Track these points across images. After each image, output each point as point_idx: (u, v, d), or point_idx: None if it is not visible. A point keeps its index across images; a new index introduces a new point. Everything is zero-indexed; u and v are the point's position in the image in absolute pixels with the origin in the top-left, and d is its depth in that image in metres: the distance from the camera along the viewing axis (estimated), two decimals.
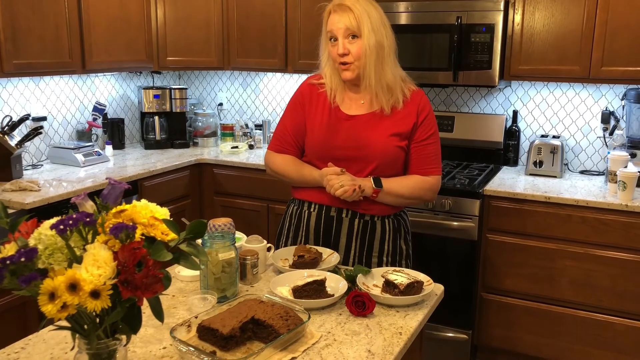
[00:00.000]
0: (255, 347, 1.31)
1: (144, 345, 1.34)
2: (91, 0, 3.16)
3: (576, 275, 2.78)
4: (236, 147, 3.82)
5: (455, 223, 2.89)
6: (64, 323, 0.99)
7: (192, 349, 1.25)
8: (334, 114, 1.96)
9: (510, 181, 3.04)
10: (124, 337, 1.05)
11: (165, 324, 1.36)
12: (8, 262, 0.92)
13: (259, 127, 4.03)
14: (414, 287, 1.58)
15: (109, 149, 3.57)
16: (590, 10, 2.85)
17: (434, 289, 1.64)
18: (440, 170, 2.01)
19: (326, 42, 1.95)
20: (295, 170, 2.00)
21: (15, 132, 2.97)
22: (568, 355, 2.87)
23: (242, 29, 3.71)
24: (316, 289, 1.56)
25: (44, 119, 3.30)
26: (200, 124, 4.00)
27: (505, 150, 3.40)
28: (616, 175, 2.72)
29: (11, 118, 2.99)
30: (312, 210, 2.01)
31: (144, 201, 1.10)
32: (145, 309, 1.02)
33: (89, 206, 1.10)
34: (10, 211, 2.49)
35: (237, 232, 1.82)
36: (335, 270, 1.74)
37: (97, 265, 0.93)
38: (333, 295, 1.57)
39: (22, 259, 0.92)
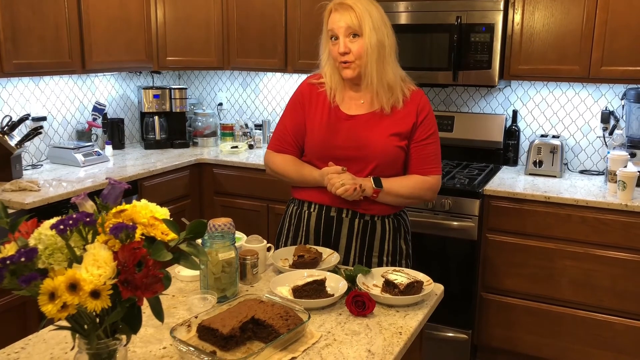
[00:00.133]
0: (255, 347, 1.31)
1: (144, 345, 1.34)
2: (91, 0, 3.16)
3: (576, 275, 2.78)
4: (236, 147, 3.82)
5: (455, 223, 2.89)
6: (64, 323, 0.99)
7: (192, 349, 1.25)
8: (334, 114, 1.96)
9: (510, 181, 3.04)
10: (124, 337, 1.06)
11: (165, 324, 1.36)
12: (8, 262, 0.92)
13: (258, 127, 4.03)
14: (414, 287, 1.58)
15: (108, 149, 3.57)
16: (590, 10, 2.85)
17: (434, 288, 1.64)
18: (440, 170, 2.01)
19: (326, 41, 1.94)
20: (295, 170, 2.00)
21: (15, 132, 2.97)
22: (568, 355, 2.87)
23: (242, 29, 3.71)
24: (316, 288, 1.56)
25: (43, 119, 3.30)
26: (200, 123, 4.00)
27: (505, 150, 3.40)
28: (616, 175, 2.73)
29: (11, 118, 2.98)
30: (312, 210, 2.01)
31: (144, 201, 1.10)
32: (145, 309, 1.02)
33: (89, 206, 1.10)
34: (10, 211, 2.49)
35: (237, 232, 1.82)
36: (335, 270, 1.74)
37: (97, 265, 0.93)
38: (333, 295, 1.57)
39: (22, 259, 0.92)
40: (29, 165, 3.24)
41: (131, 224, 1.00)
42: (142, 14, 3.55)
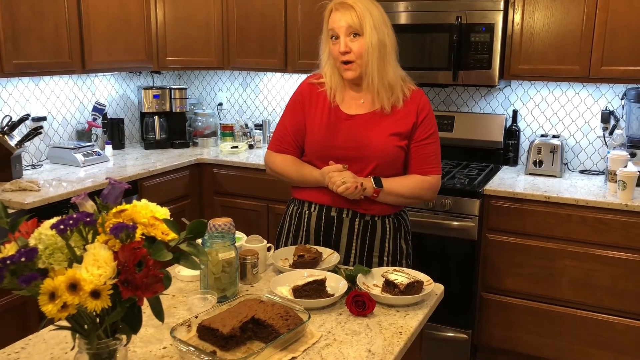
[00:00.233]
0: (255, 346, 1.31)
1: (144, 345, 1.34)
2: (91, 0, 3.16)
3: (576, 275, 2.78)
4: (236, 147, 3.82)
5: (455, 223, 2.89)
6: (64, 323, 0.99)
7: (193, 349, 1.25)
8: (334, 114, 1.96)
9: (510, 181, 3.04)
10: (124, 337, 1.06)
11: (165, 324, 1.36)
12: (8, 262, 0.92)
13: (258, 127, 4.03)
14: (414, 287, 1.58)
15: (108, 149, 3.57)
16: (590, 10, 2.85)
17: (434, 288, 1.64)
18: (440, 169, 2.01)
19: (327, 40, 1.94)
20: (295, 170, 2.00)
21: (15, 132, 2.97)
22: (568, 355, 2.87)
23: (242, 29, 3.71)
24: (316, 288, 1.56)
25: (43, 119, 3.30)
26: (200, 123, 4.00)
27: (505, 149, 3.40)
28: (616, 174, 2.73)
29: (11, 118, 2.99)
30: (312, 210, 2.01)
31: (144, 201, 1.10)
32: (146, 309, 1.02)
33: (89, 206, 1.10)
34: (10, 211, 2.49)
35: (237, 231, 1.82)
36: (335, 270, 1.74)
37: (97, 265, 0.93)
38: (333, 295, 1.57)
39: (23, 259, 0.92)
40: (29, 165, 3.24)
41: (131, 223, 1.00)
42: (142, 14, 3.55)
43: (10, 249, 0.97)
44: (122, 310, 0.98)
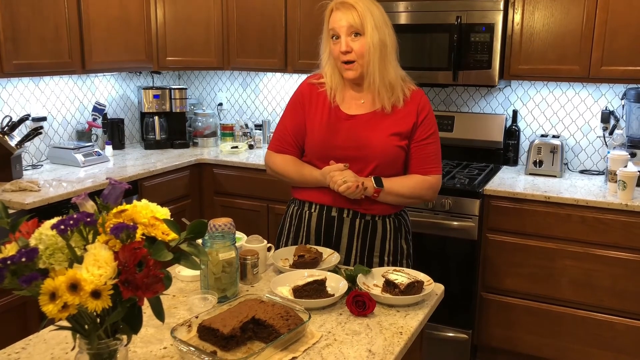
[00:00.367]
0: (255, 347, 1.31)
1: (144, 345, 1.34)
2: (91, 0, 3.16)
3: (576, 274, 2.78)
4: (236, 147, 3.83)
5: (455, 223, 2.89)
6: (65, 323, 0.99)
7: (193, 349, 1.25)
8: (334, 114, 1.96)
9: (510, 181, 3.04)
10: (124, 337, 1.06)
11: (165, 324, 1.36)
12: (9, 262, 0.92)
13: (258, 127, 4.03)
14: (414, 287, 1.58)
15: (108, 149, 3.57)
16: (590, 10, 2.85)
17: (434, 288, 1.64)
18: (441, 169, 2.01)
19: (327, 40, 1.94)
20: (295, 170, 2.00)
21: (15, 133, 2.97)
22: (568, 355, 2.87)
23: (242, 29, 3.71)
24: (316, 288, 1.56)
25: (43, 119, 3.30)
26: (200, 124, 4.00)
27: (505, 149, 3.40)
28: (616, 174, 2.73)
29: (11, 118, 2.99)
30: (312, 210, 2.01)
31: (144, 201, 1.10)
32: (146, 309, 1.02)
33: (90, 206, 1.10)
34: (10, 211, 2.48)
35: (237, 232, 1.82)
36: (335, 270, 1.74)
37: (97, 265, 0.93)
38: (333, 295, 1.57)
39: (23, 259, 0.92)
40: (29, 166, 3.24)
41: (132, 224, 1.00)
42: (142, 14, 3.55)
43: (10, 249, 0.97)
44: (122, 311, 0.98)
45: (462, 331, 3.00)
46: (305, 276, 1.63)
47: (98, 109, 3.67)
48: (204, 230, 1.07)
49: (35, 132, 3.01)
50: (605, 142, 3.22)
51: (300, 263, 1.76)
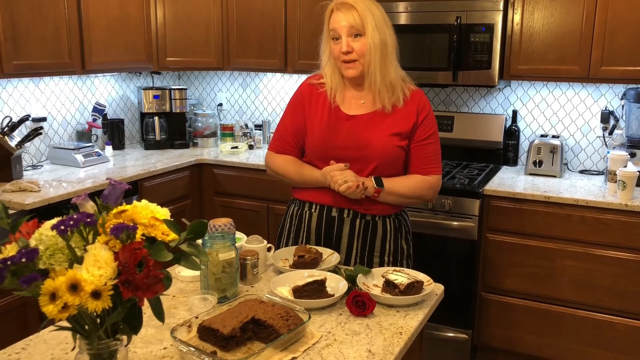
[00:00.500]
0: (255, 347, 1.32)
1: (144, 346, 1.35)
2: (91, 0, 3.16)
3: (576, 274, 2.78)
4: (236, 147, 3.83)
5: (455, 223, 2.89)
6: (65, 323, 0.99)
7: (193, 349, 1.25)
8: (334, 114, 1.96)
9: (509, 181, 3.04)
10: (124, 337, 1.06)
11: (165, 325, 1.36)
12: (9, 262, 0.92)
13: (258, 127, 4.03)
14: (414, 287, 1.58)
15: (108, 149, 3.57)
16: (589, 9, 2.85)
17: (434, 288, 1.64)
18: (441, 169, 2.01)
19: (327, 41, 1.94)
20: (295, 170, 2.00)
21: (15, 133, 2.97)
22: (568, 355, 2.87)
23: (242, 29, 3.71)
24: (316, 289, 1.56)
25: (43, 119, 3.31)
26: (200, 124, 4.00)
27: (505, 150, 3.40)
28: (616, 174, 2.73)
29: (11, 119, 2.99)
30: (313, 210, 2.01)
31: (144, 201, 1.10)
32: (146, 309, 1.02)
33: (90, 206, 1.10)
34: (10, 212, 2.48)
35: (237, 232, 1.82)
36: (335, 270, 1.74)
37: (98, 265, 0.93)
38: (333, 295, 1.57)
39: (23, 260, 0.92)
40: (29, 166, 3.24)
41: (132, 224, 1.00)
42: (142, 15, 3.55)
43: (11, 250, 0.97)
44: (122, 311, 0.98)
45: (462, 331, 3.00)
46: (305, 276, 1.63)
47: (98, 110, 3.67)
48: (204, 231, 1.07)
49: (35, 133, 3.01)
50: (605, 142, 3.22)
51: (300, 263, 1.76)
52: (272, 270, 1.81)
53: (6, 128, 2.93)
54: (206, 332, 1.32)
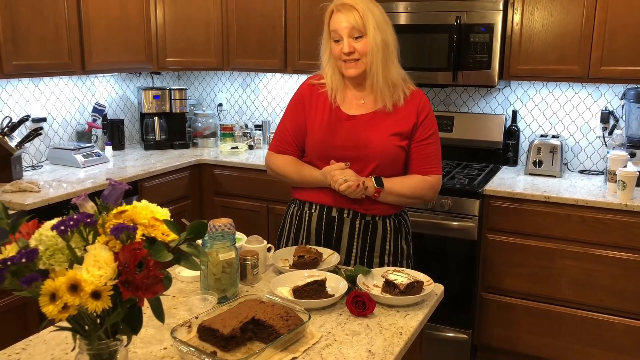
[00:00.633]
0: (255, 347, 1.32)
1: (144, 346, 1.35)
2: (90, 0, 3.16)
3: (576, 274, 2.78)
4: (236, 147, 3.83)
5: (455, 223, 2.89)
6: (65, 324, 0.99)
7: (193, 350, 1.25)
8: (335, 114, 1.96)
9: (509, 181, 3.04)
10: (124, 337, 1.06)
11: (165, 325, 1.36)
12: (9, 262, 0.92)
13: (258, 127, 4.03)
14: (414, 287, 1.58)
15: (108, 149, 3.57)
16: (589, 9, 2.85)
17: (434, 288, 1.64)
18: (441, 169, 2.01)
19: (327, 41, 1.94)
20: (295, 170, 2.00)
21: (15, 133, 2.97)
22: (568, 355, 2.87)
23: (242, 29, 3.71)
24: (316, 289, 1.56)
25: (43, 120, 3.31)
26: (200, 124, 4.00)
27: (505, 150, 3.40)
28: (615, 174, 2.73)
29: (11, 119, 2.99)
30: (313, 210, 2.01)
31: (144, 202, 1.10)
32: (146, 310, 1.02)
33: (90, 207, 1.10)
34: (10, 212, 2.49)
35: (237, 232, 1.82)
36: (335, 270, 1.74)
37: (98, 265, 0.93)
38: (333, 295, 1.57)
39: (23, 260, 0.92)
40: (29, 166, 3.24)
41: (132, 224, 1.00)
42: (142, 15, 3.55)
43: (11, 250, 0.97)
44: (122, 311, 0.98)
45: (462, 331, 3.00)
46: (305, 276, 1.63)
47: (98, 110, 3.67)
48: (203, 231, 1.07)
49: (35, 133, 3.01)
50: (605, 142, 3.22)
51: (300, 263, 1.76)
52: (272, 271, 1.81)
53: (6, 128, 2.93)
54: (206, 332, 1.32)
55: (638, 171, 2.70)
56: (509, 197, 2.85)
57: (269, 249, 1.86)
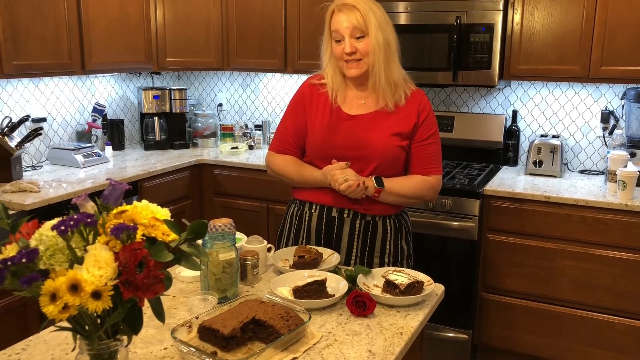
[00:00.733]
0: (256, 347, 1.32)
1: (145, 346, 1.35)
2: (90, 0, 3.16)
3: (576, 274, 2.78)
4: (236, 147, 3.83)
5: (455, 223, 2.89)
6: (65, 324, 0.99)
7: (193, 350, 1.25)
8: (335, 114, 1.96)
9: (510, 181, 3.04)
10: (125, 337, 1.06)
11: (166, 325, 1.35)
12: (9, 263, 0.92)
13: (258, 127, 4.03)
14: (414, 287, 1.58)
15: (108, 149, 3.57)
16: (589, 9, 2.85)
17: (434, 289, 1.64)
18: (441, 169, 2.01)
19: (328, 41, 1.94)
20: (295, 170, 2.00)
21: (15, 133, 2.97)
22: (568, 355, 2.87)
23: (242, 29, 3.71)
24: (317, 289, 1.56)
25: (43, 120, 3.31)
26: (200, 124, 4.00)
27: (505, 150, 3.40)
28: (616, 174, 2.73)
29: (11, 119, 2.99)
30: (313, 210, 2.01)
31: (144, 202, 1.10)
32: (146, 310, 1.02)
33: (90, 207, 1.10)
34: (10, 212, 2.48)
35: (237, 232, 1.82)
36: (335, 270, 1.74)
37: (98, 265, 0.93)
38: (334, 295, 1.57)
39: (24, 260, 0.92)
40: (29, 167, 3.24)
41: (132, 224, 1.00)
42: (142, 15, 3.55)
43: (11, 250, 0.97)
44: (122, 311, 0.98)
45: (462, 331, 3.00)
46: (305, 277, 1.63)
47: (98, 110, 3.67)
48: (204, 231, 1.07)
49: (35, 133, 3.01)
50: (605, 142, 3.22)
51: (301, 263, 1.76)
52: (272, 271, 1.81)
53: (6, 128, 2.93)
54: (206, 332, 1.32)
55: (638, 171, 2.70)
56: (509, 197, 2.85)
57: (269, 249, 1.86)
